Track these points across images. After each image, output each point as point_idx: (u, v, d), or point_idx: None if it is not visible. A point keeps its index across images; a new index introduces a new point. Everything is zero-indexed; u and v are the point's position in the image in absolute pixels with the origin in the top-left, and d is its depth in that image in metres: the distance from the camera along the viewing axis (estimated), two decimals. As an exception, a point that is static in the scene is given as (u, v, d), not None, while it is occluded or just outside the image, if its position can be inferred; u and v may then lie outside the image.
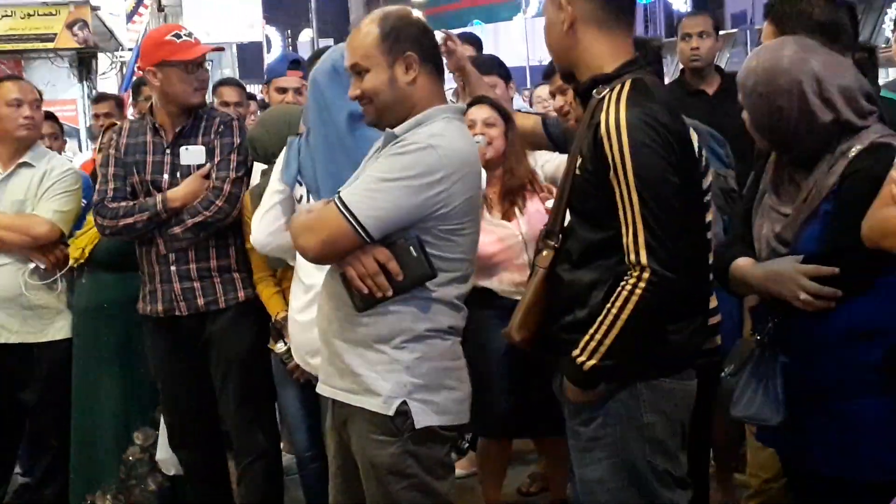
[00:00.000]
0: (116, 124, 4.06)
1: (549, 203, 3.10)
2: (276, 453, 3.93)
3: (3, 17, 12.21)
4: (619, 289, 2.27)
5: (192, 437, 3.87)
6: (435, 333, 2.52)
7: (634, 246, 2.25)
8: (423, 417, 2.50)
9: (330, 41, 21.54)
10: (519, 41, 20.31)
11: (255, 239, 3.16)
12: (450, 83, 3.90)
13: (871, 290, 2.35)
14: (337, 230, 2.43)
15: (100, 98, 6.63)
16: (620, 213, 2.27)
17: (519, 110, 4.63)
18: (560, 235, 2.46)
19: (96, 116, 6.24)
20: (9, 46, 12.27)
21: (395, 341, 2.49)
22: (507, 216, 3.67)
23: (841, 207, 2.35)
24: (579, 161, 2.37)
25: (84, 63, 13.40)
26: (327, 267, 2.61)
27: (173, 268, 3.67)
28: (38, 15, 12.35)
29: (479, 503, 4.14)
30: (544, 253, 2.48)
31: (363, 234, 2.42)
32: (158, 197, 3.63)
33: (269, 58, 21.99)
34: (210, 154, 3.68)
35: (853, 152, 2.37)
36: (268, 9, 23.21)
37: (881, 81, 4.66)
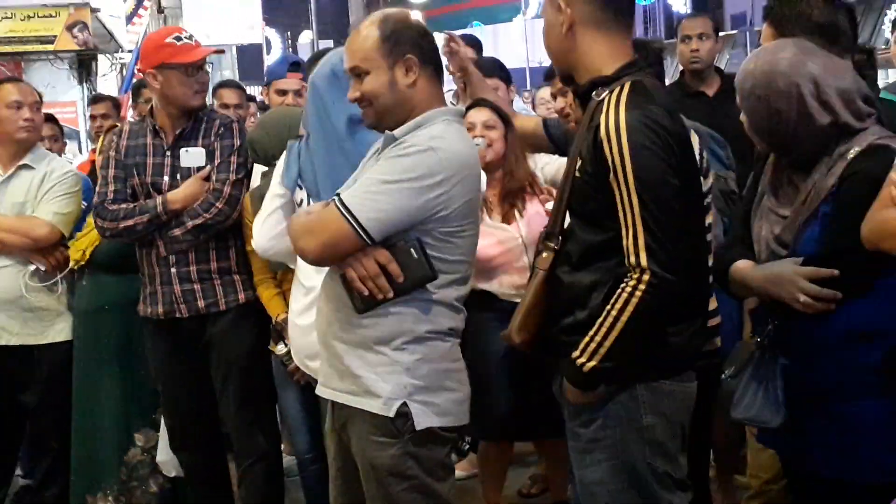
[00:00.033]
0: (116, 126, 4.06)
1: (549, 205, 3.11)
2: (277, 455, 3.93)
3: (3, 18, 12.24)
4: (619, 291, 2.27)
5: (193, 438, 3.87)
6: (435, 335, 2.52)
7: (634, 248, 2.25)
8: (423, 419, 2.50)
9: (330, 43, 21.55)
10: (518, 42, 20.35)
11: (257, 244, 3.17)
12: (448, 85, 3.90)
13: (870, 291, 2.35)
14: (338, 232, 2.43)
15: (96, 99, 6.63)
16: (620, 215, 2.27)
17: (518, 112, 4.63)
18: (560, 237, 2.46)
19: (93, 118, 6.26)
20: (9, 48, 12.29)
21: (396, 343, 2.50)
22: (507, 219, 3.67)
23: (840, 209, 2.35)
24: (579, 163, 2.37)
25: (84, 65, 13.42)
26: (327, 269, 2.61)
27: (173, 270, 3.68)
28: (38, 17, 12.37)
29: (479, 505, 4.15)
30: (544, 255, 2.48)
31: (364, 237, 2.42)
32: (158, 199, 3.63)
33: (269, 60, 22.02)
34: (210, 156, 3.68)
35: (851, 154, 2.37)
36: (267, 10, 23.21)
37: (881, 83, 4.67)
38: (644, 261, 2.24)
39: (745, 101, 2.48)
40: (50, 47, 12.43)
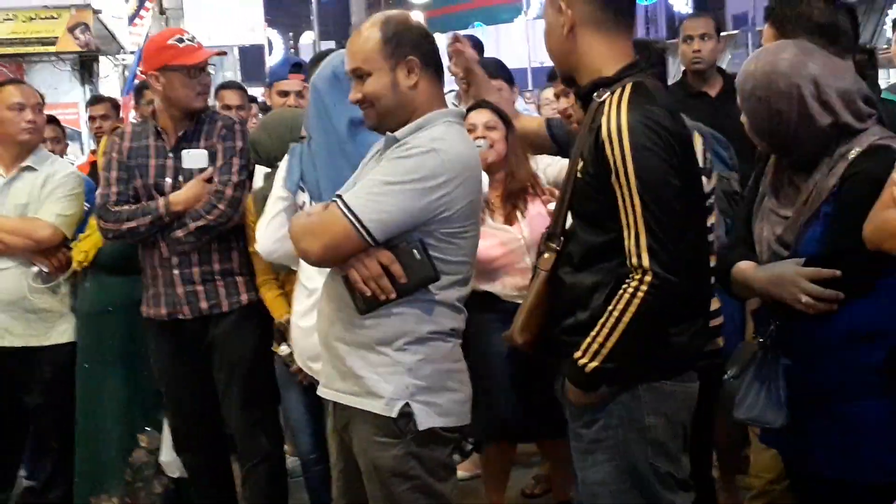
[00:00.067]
0: (118, 127, 4.06)
1: (551, 206, 3.11)
2: (280, 456, 3.93)
3: (4, 20, 12.23)
4: (621, 291, 2.27)
5: (196, 440, 3.88)
6: (437, 335, 2.53)
7: (636, 249, 2.25)
8: (426, 419, 2.51)
9: (331, 44, 21.58)
10: (520, 43, 20.35)
11: (261, 247, 3.17)
12: (450, 86, 3.90)
13: (871, 292, 2.35)
14: (340, 233, 2.44)
15: (95, 100, 6.63)
16: (622, 215, 2.27)
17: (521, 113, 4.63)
18: (562, 238, 2.46)
19: (92, 119, 6.26)
20: (11, 50, 12.28)
21: (398, 343, 2.50)
22: (509, 220, 3.67)
23: (841, 209, 2.35)
24: (581, 164, 2.37)
25: (86, 66, 13.42)
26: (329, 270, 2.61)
27: (176, 271, 3.68)
28: (40, 18, 12.37)
29: (482, 505, 4.15)
30: (546, 256, 2.48)
31: (367, 238, 2.42)
32: (161, 201, 3.64)
33: (271, 61, 22.05)
34: (212, 158, 3.69)
35: (852, 154, 2.37)
36: (269, 12, 23.25)
37: (882, 83, 4.67)
38: (646, 262, 2.24)
39: (745, 102, 2.48)
40: (52, 49, 12.43)
